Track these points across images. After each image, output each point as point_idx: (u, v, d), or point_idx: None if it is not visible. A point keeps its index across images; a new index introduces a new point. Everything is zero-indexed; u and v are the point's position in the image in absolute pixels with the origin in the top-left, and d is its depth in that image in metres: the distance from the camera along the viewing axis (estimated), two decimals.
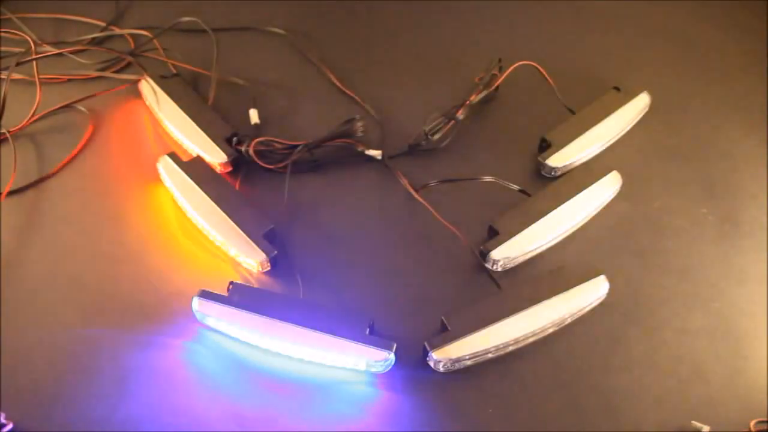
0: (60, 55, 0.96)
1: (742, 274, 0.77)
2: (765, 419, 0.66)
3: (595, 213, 0.81)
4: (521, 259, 0.77)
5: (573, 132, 0.86)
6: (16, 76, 0.89)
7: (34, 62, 0.88)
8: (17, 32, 0.94)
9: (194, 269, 0.77)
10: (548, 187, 0.81)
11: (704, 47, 1.03)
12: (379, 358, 0.66)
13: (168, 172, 0.81)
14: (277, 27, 1.03)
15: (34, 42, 0.88)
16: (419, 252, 0.79)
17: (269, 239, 0.76)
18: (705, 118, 0.93)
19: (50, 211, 0.81)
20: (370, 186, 0.85)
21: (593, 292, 0.72)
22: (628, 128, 0.89)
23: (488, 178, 0.82)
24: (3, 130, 0.86)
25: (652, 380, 0.69)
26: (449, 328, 0.68)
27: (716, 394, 0.68)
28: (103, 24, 1.02)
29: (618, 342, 0.72)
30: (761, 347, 0.71)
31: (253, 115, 0.90)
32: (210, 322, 0.70)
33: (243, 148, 0.83)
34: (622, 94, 0.90)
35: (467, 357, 0.68)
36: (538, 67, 0.89)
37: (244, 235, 0.75)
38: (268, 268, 0.76)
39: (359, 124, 0.85)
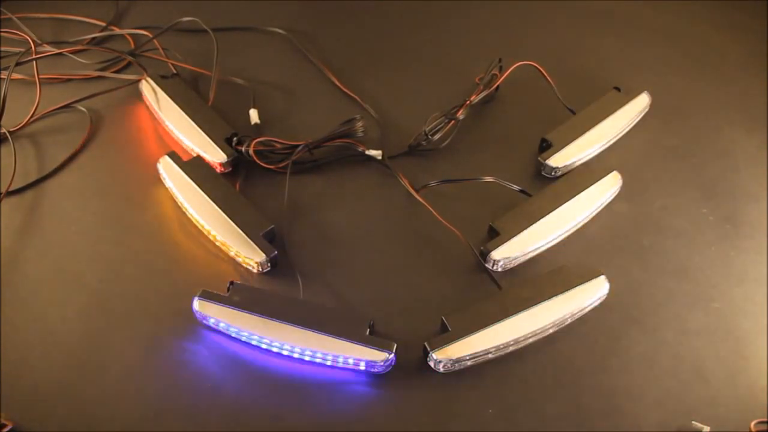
0: (60, 55, 0.96)
1: (742, 274, 0.77)
2: (765, 419, 0.66)
3: (595, 213, 0.81)
4: (521, 260, 0.77)
5: (573, 132, 0.86)
6: (16, 76, 0.89)
7: (34, 62, 0.88)
8: (17, 32, 0.94)
9: (194, 269, 0.77)
10: (548, 188, 0.81)
11: (704, 47, 1.03)
12: (379, 359, 0.66)
13: (168, 172, 0.81)
14: (277, 27, 1.03)
15: (34, 42, 0.88)
16: (419, 252, 0.79)
17: (269, 239, 0.77)
18: (705, 118, 0.93)
19: (50, 211, 0.81)
20: (370, 186, 0.85)
21: (593, 292, 0.72)
22: (628, 128, 0.89)
23: (488, 178, 0.82)
24: (3, 130, 0.86)
25: (652, 380, 0.69)
26: (449, 329, 0.68)
27: (716, 394, 0.68)
28: (103, 24, 1.02)
29: (618, 342, 0.72)
30: (761, 347, 0.71)
31: (253, 115, 0.90)
32: (210, 322, 0.70)
33: (243, 148, 0.83)
34: (622, 95, 0.90)
35: (467, 357, 0.68)
36: (538, 67, 0.89)
37: (244, 235, 0.75)
38: (268, 268, 0.76)
39: (359, 124, 0.85)
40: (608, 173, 0.81)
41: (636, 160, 0.88)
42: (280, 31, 1.03)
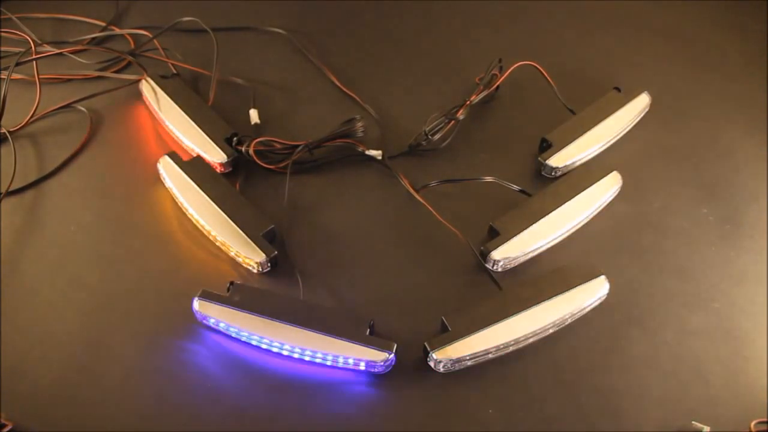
0: (60, 55, 0.96)
1: (742, 274, 0.77)
2: (765, 419, 0.66)
3: (595, 213, 0.81)
4: (522, 260, 0.77)
5: (573, 132, 0.86)
6: (16, 76, 0.89)
7: (34, 62, 0.88)
8: (17, 32, 0.94)
9: (194, 269, 0.77)
10: (548, 188, 0.81)
11: (704, 47, 1.03)
12: (379, 359, 0.66)
13: (168, 172, 0.81)
14: (277, 27, 1.03)
15: (34, 42, 0.88)
16: (419, 252, 0.79)
17: (269, 239, 0.77)
18: (705, 118, 0.93)
19: (50, 211, 0.81)
20: (370, 186, 0.85)
21: (593, 292, 0.72)
22: (628, 128, 0.89)
23: (488, 178, 0.82)
24: (3, 130, 0.86)
25: (653, 380, 0.69)
26: (450, 329, 0.68)
27: (716, 394, 0.68)
28: (103, 24, 1.02)
29: (618, 342, 0.72)
30: (761, 347, 0.71)
31: (253, 115, 0.90)
32: (210, 322, 0.70)
33: (243, 148, 0.83)
34: (622, 95, 0.90)
35: (468, 357, 0.68)
36: (538, 67, 0.89)
37: (244, 235, 0.75)
38: (268, 268, 0.76)
39: (359, 124, 0.85)
40: (608, 173, 0.81)
41: (636, 160, 0.88)
42: (280, 31, 1.03)
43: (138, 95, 0.92)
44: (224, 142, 0.85)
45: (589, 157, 0.86)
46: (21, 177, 0.84)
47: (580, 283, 0.71)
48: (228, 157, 0.84)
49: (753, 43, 1.03)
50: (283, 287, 0.75)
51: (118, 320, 0.72)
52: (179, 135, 0.87)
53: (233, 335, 0.70)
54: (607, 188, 0.81)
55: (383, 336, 0.68)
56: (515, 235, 0.76)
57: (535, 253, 0.78)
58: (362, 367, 0.68)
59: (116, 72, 0.96)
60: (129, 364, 0.69)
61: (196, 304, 0.69)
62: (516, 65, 0.89)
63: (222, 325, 0.70)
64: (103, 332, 0.71)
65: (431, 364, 0.68)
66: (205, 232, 0.78)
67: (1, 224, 0.79)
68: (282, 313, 0.69)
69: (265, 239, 0.76)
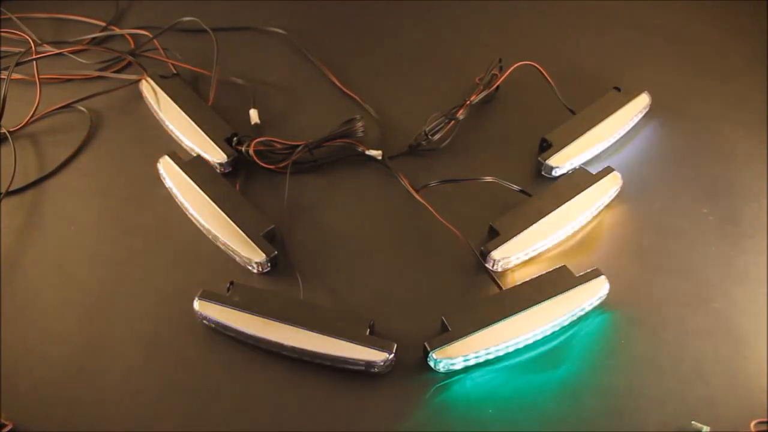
0: (60, 55, 0.96)
1: (742, 274, 0.77)
2: (765, 419, 0.66)
3: (595, 213, 0.81)
4: (522, 260, 0.77)
5: (573, 132, 0.86)
6: (16, 76, 0.89)
7: (34, 62, 0.88)
8: (17, 32, 0.94)
9: (194, 269, 0.77)
10: (549, 188, 0.81)
11: (704, 47, 1.03)
12: (379, 359, 0.66)
13: (168, 172, 0.81)
14: (277, 27, 1.03)
15: (34, 42, 0.88)
16: (419, 252, 0.79)
17: (269, 239, 0.77)
18: (705, 118, 0.93)
19: (50, 211, 0.81)
20: (370, 186, 0.85)
21: (593, 292, 0.72)
22: (628, 128, 0.89)
23: (488, 178, 0.82)
24: (3, 130, 0.86)
25: (652, 380, 0.69)
26: (449, 329, 0.68)
27: (716, 394, 0.68)
28: (103, 24, 1.02)
29: (618, 342, 0.72)
30: (761, 347, 0.71)
31: (253, 115, 0.90)
32: (210, 322, 0.70)
33: (243, 148, 0.83)
34: (622, 94, 0.90)
35: (468, 357, 0.68)
36: (538, 67, 0.89)
37: (244, 235, 0.75)
38: (268, 268, 0.76)
39: (359, 124, 0.85)
40: (608, 173, 0.81)
41: (636, 160, 0.88)
42: (280, 31, 1.03)
43: (138, 95, 0.92)
44: (224, 142, 0.85)
45: (589, 157, 0.86)
46: (21, 177, 0.84)
47: (579, 283, 0.71)
48: (228, 157, 0.84)
49: (753, 44, 1.03)
50: (283, 287, 0.75)
51: (118, 320, 0.72)
52: (179, 135, 0.87)
53: (233, 335, 0.70)
54: (607, 188, 0.81)
55: (383, 336, 0.68)
56: (515, 235, 0.76)
57: (535, 253, 0.78)
58: (362, 367, 0.68)
59: (116, 72, 0.96)
60: (129, 364, 0.69)
61: (196, 304, 0.69)
62: (516, 65, 0.89)
63: (222, 325, 0.70)
64: (103, 332, 0.71)
65: (431, 364, 0.68)
66: (205, 232, 0.78)
67: (1, 224, 0.79)
68: (282, 313, 0.69)
69: (265, 239, 0.76)
